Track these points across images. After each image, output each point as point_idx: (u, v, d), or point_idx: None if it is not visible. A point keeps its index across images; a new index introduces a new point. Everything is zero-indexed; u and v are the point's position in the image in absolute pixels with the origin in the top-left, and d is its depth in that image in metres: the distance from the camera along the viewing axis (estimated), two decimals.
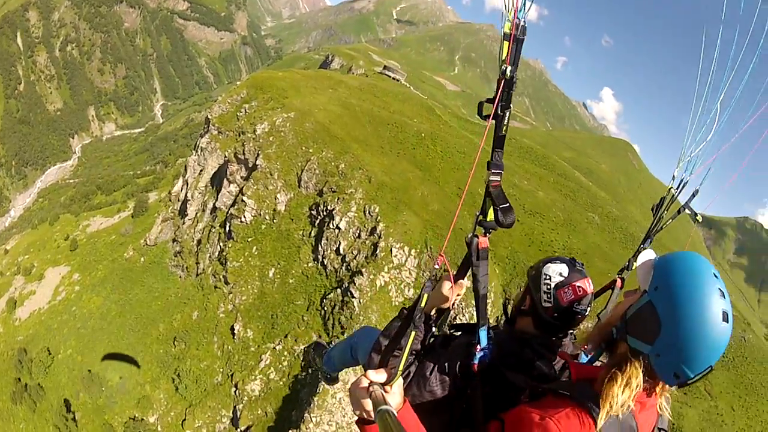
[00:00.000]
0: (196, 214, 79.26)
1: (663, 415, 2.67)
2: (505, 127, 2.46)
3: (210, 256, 71.44)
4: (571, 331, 3.34)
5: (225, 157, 73.08)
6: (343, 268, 55.98)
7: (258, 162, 67.12)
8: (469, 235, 2.75)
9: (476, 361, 2.95)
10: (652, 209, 4.29)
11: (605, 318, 2.97)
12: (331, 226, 58.45)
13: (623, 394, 2.34)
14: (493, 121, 2.48)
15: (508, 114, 2.43)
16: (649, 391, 2.46)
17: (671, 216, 4.36)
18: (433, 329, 3.28)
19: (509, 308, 3.60)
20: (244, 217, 65.61)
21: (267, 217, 65.25)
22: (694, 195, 4.36)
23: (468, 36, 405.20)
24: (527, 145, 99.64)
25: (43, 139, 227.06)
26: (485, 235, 2.75)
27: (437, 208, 58.59)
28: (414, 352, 3.18)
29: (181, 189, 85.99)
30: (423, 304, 2.67)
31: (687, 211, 4.43)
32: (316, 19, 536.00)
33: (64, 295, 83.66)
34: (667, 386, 2.47)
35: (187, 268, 75.09)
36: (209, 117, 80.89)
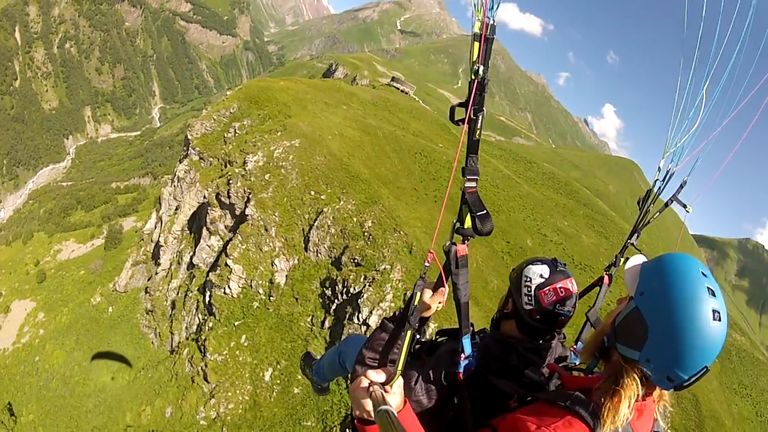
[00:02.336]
0: (170, 265, 58.86)
1: (658, 420, 2.53)
2: (478, 131, 2.31)
3: (187, 329, 50.94)
4: (558, 332, 3.18)
5: (205, 196, 52.13)
6: None
7: (248, 210, 46.27)
8: (447, 243, 2.63)
9: (461, 370, 2.87)
10: (638, 202, 4.20)
11: (599, 326, 2.86)
12: (355, 319, 37.03)
13: (623, 406, 2.21)
14: (467, 126, 2.30)
15: (481, 117, 2.27)
16: (646, 396, 2.32)
17: (659, 209, 4.31)
18: (417, 336, 3.06)
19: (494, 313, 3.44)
20: (229, 287, 44.92)
21: (261, 292, 44.54)
22: (681, 186, 4.32)
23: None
24: (549, 171, 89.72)
25: (37, 139, 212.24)
26: (464, 243, 2.63)
27: (497, 284, 40.19)
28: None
29: (155, 227, 65.43)
30: (416, 302, 2.55)
31: (675, 202, 4.33)
32: (319, 27, 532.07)
33: (29, 338, 73.51)
34: (664, 391, 2.37)
35: (159, 334, 54.98)
36: (188, 137, 60.16)
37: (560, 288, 2.97)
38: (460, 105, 2.27)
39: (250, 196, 46.73)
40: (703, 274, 2.14)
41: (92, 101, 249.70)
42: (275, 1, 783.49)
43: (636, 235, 4.16)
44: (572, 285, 3.01)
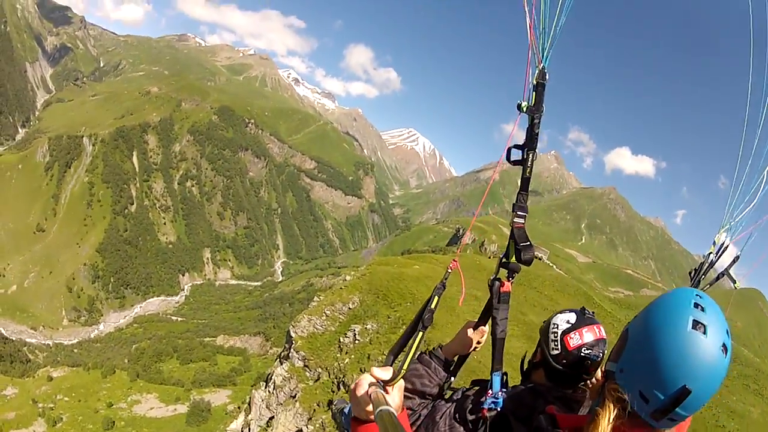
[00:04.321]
0: None
1: None
2: (529, 170, 2.46)
3: None
4: (586, 379, 3.09)
5: (308, 418, 36.45)
6: None
7: None
8: (492, 278, 2.75)
9: (486, 407, 2.82)
10: (690, 273, 4.15)
11: None
12: None
13: (604, 424, 2.07)
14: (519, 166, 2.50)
15: (532, 156, 2.44)
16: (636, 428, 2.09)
17: (709, 282, 4.24)
18: (452, 379, 3.21)
19: (525, 363, 3.35)
20: None
21: None
22: (734, 261, 4.30)
23: (591, 202, 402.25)
24: None
25: (150, 267, 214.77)
26: (509, 279, 2.74)
27: None
28: (430, 396, 3.12)
29: (242, 431, 50.01)
30: (434, 306, 2.61)
31: (726, 277, 4.36)
32: (443, 190, 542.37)
33: None
34: None
35: None
36: (291, 333, 46.00)
37: (586, 332, 2.93)
38: (517, 147, 2.43)
39: None
40: (697, 295, 2.00)
41: (212, 244, 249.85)
42: (399, 163, 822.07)
43: None
44: (599, 330, 2.97)
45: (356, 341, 41.28)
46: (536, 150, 2.41)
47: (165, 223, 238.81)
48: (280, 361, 47.91)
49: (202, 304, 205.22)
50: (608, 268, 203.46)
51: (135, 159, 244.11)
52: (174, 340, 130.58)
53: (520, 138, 2.38)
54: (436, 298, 2.58)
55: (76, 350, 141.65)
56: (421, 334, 2.50)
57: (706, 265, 3.98)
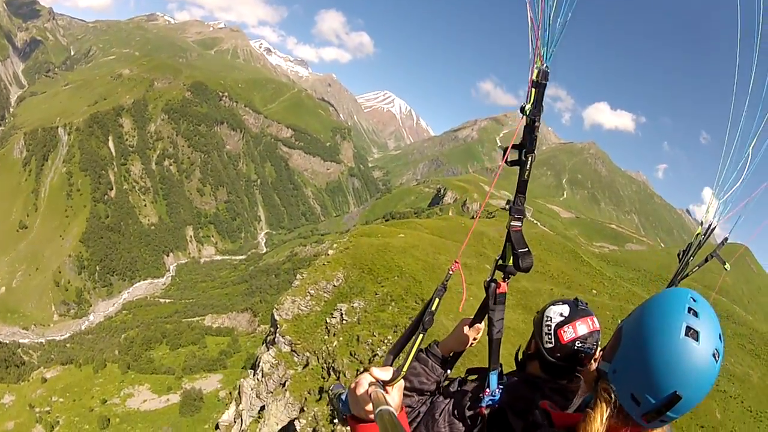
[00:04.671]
0: None
1: None
2: (528, 172, 2.41)
3: None
4: (581, 371, 3.11)
5: (297, 420, 34.14)
6: None
7: None
8: (488, 279, 2.72)
9: (484, 404, 2.85)
10: (678, 255, 4.19)
11: None
12: None
13: (592, 429, 2.10)
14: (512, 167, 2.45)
15: (531, 159, 2.38)
16: (629, 429, 2.12)
17: (698, 263, 4.30)
18: (449, 372, 3.24)
19: (519, 355, 3.38)
20: None
21: None
22: (723, 243, 4.37)
23: (571, 157, 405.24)
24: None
25: (134, 251, 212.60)
26: (504, 281, 2.70)
27: None
28: (428, 392, 3.14)
29: (234, 421, 48.26)
30: (434, 308, 2.54)
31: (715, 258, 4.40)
32: (421, 150, 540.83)
33: None
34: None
35: None
36: (275, 316, 43.69)
37: (580, 325, 2.92)
38: (514, 147, 2.38)
39: None
40: (692, 299, 2.00)
41: (194, 221, 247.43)
42: (376, 126, 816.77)
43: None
44: (592, 323, 2.96)
45: (344, 321, 39.66)
46: (535, 152, 2.36)
47: (146, 205, 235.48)
48: (266, 346, 45.64)
49: (188, 283, 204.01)
50: (592, 223, 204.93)
51: (111, 144, 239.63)
52: (162, 325, 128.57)
53: (509, 126, 2.10)
54: (437, 300, 2.54)
55: (68, 345, 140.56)
56: (421, 336, 2.48)
57: (695, 246, 4.01)
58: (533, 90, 2.24)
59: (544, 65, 2.23)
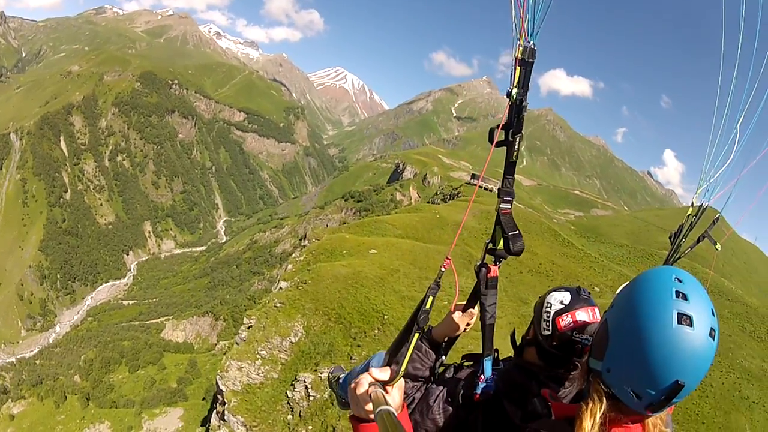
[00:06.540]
0: None
1: None
2: (515, 153, 2.34)
3: None
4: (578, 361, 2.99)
5: None
6: None
7: None
8: (478, 264, 2.67)
9: (479, 391, 2.82)
10: (670, 237, 4.17)
11: None
12: None
13: (586, 425, 2.05)
14: (501, 148, 2.36)
15: (518, 139, 2.30)
16: (629, 420, 2.07)
17: (690, 245, 4.27)
18: (443, 358, 3.18)
19: (517, 340, 3.27)
20: None
21: None
22: (714, 222, 4.38)
23: (529, 124, 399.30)
24: (649, 251, 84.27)
25: (94, 254, 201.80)
26: (495, 264, 2.67)
27: None
28: (422, 378, 3.08)
29: None
30: (428, 306, 2.49)
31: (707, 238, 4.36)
32: (376, 124, 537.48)
33: None
34: (658, 419, 2.10)
35: None
36: (221, 385, 35.38)
37: (579, 315, 2.80)
38: (502, 128, 2.28)
39: None
40: (677, 279, 1.91)
41: (151, 216, 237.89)
42: (329, 103, 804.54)
43: None
44: (593, 313, 2.82)
45: (310, 398, 30.61)
46: (522, 133, 2.26)
47: (101, 204, 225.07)
48: (217, 418, 35.79)
49: (150, 281, 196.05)
50: (555, 190, 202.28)
51: (63, 144, 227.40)
52: (120, 343, 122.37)
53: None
54: (431, 298, 2.47)
55: (38, 362, 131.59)
56: (417, 335, 2.42)
57: (686, 228, 3.97)
58: (518, 69, 2.14)
59: (531, 42, 2.11)
